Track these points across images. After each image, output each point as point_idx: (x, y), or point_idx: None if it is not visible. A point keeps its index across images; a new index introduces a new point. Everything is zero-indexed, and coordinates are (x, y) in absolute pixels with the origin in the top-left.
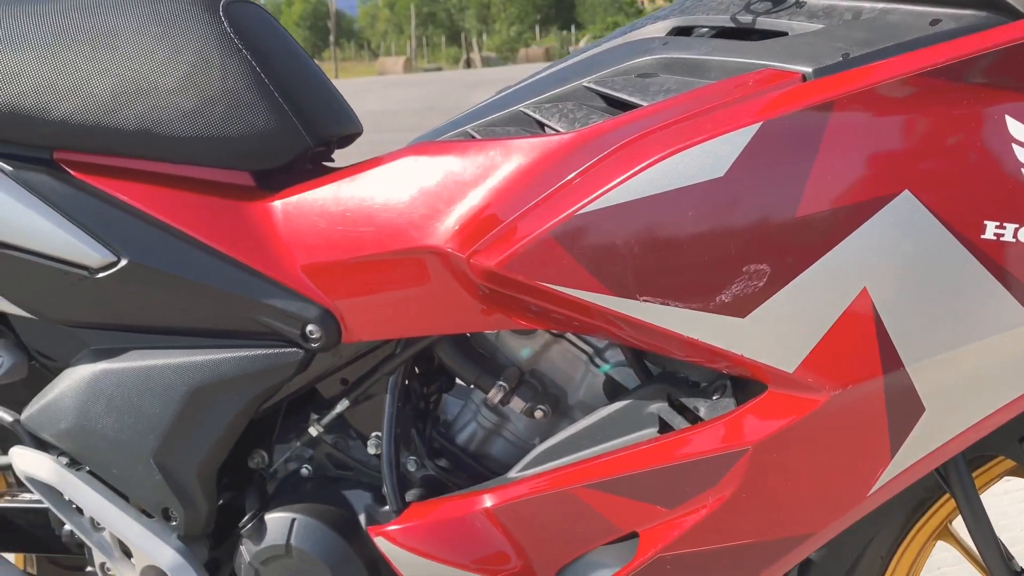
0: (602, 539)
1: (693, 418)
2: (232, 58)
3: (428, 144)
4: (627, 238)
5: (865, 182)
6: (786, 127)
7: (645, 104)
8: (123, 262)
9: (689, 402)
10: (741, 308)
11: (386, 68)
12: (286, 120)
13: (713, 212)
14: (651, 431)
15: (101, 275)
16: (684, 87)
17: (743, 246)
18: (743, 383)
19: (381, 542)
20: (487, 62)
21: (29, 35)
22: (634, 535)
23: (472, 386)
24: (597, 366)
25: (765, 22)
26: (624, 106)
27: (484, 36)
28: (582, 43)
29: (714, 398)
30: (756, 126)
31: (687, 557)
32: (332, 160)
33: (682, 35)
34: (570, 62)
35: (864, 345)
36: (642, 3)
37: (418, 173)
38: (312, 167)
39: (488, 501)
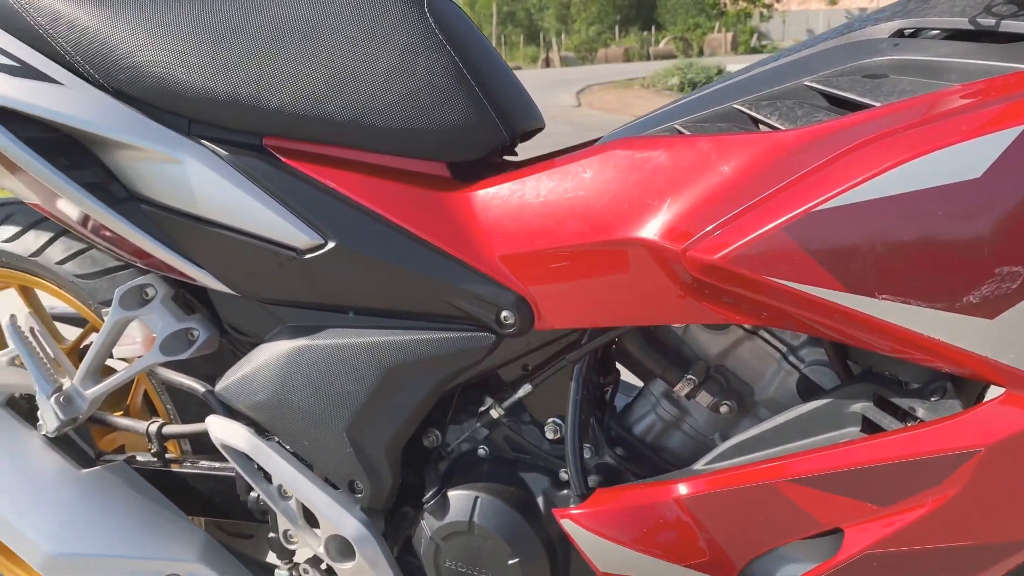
0: (800, 534)
1: (904, 418)
2: (437, 53)
3: (634, 139)
4: (870, 236)
5: None
6: None
7: (878, 105)
8: (330, 245)
9: (902, 402)
10: (990, 309)
11: None
12: (485, 114)
13: (967, 213)
14: (853, 430)
15: (308, 256)
16: (921, 88)
17: (997, 247)
18: (962, 384)
19: (568, 524)
20: (565, 62)
21: (246, 27)
22: (835, 531)
23: (656, 378)
24: (791, 364)
25: (1010, 25)
26: (851, 106)
27: (563, 36)
28: (662, 44)
29: (933, 399)
30: (1019, 128)
31: (897, 556)
32: (516, 154)
33: (904, 37)
34: (782, 61)
35: None
36: (724, 4)
37: (625, 167)
38: (499, 160)
39: (679, 491)
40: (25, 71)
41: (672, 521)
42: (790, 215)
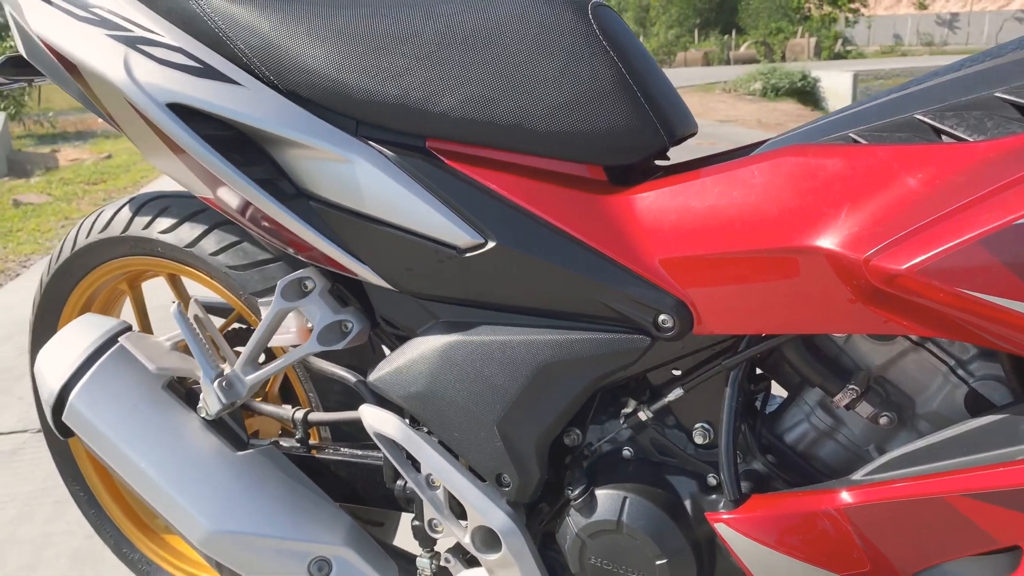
0: (973, 550)
1: None
2: (600, 58)
3: (807, 146)
4: None
5: None
6: None
7: None
8: (490, 244)
9: None
10: None
11: None
12: (646, 119)
13: None
14: None
15: (468, 255)
16: None
17: None
18: None
19: (722, 528)
20: None
21: (414, 34)
22: (1011, 549)
23: (809, 387)
24: (959, 377)
25: None
26: None
27: (641, 39)
28: (743, 48)
29: None
30: None
31: None
32: (668, 158)
33: None
34: (966, 71)
35: None
36: (808, 9)
37: (799, 174)
38: (652, 164)
39: (842, 500)
40: (207, 72)
41: (833, 530)
42: (989, 227)
